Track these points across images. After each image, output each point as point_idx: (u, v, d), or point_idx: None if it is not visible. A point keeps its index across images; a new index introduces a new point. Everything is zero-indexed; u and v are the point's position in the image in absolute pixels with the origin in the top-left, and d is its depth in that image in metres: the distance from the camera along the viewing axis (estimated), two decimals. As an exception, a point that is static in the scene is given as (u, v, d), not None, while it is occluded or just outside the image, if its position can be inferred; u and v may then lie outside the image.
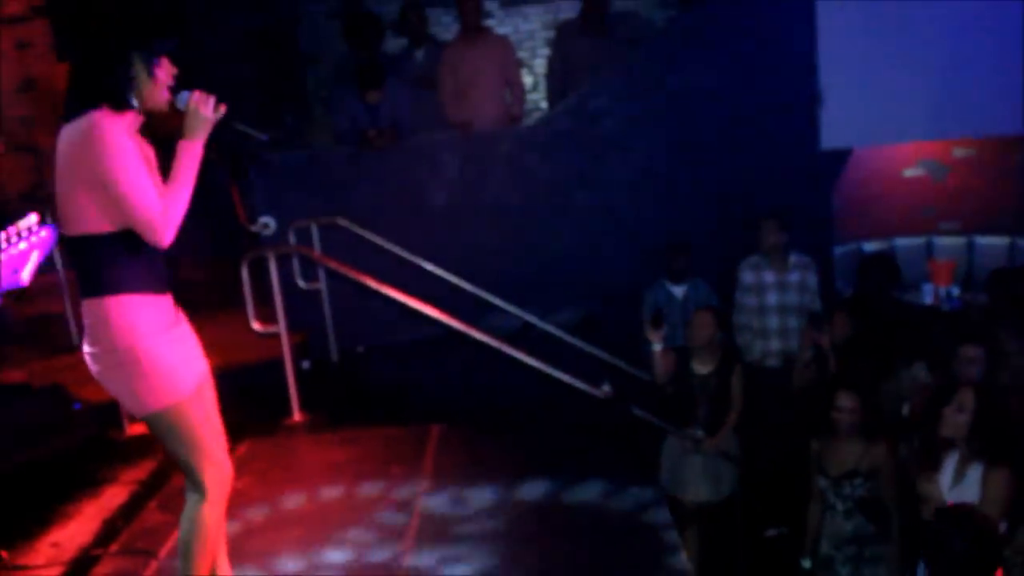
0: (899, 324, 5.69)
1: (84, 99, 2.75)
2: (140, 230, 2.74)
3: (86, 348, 2.83)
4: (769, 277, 5.89)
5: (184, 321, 3.02)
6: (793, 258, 5.90)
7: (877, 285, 5.93)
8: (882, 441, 4.39)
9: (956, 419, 3.79)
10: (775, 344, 5.88)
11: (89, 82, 2.78)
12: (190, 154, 2.83)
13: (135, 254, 2.79)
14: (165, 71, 2.84)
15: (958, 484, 3.77)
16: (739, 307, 5.98)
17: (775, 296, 5.88)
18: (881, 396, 4.82)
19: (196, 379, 2.94)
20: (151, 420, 2.88)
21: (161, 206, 2.74)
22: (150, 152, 2.91)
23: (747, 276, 5.96)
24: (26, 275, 1.51)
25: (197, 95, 2.84)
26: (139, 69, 2.80)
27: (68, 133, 2.74)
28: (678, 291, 6.06)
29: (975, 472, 3.76)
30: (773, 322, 5.88)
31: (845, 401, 4.38)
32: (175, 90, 2.87)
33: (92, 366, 2.84)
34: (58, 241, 2.88)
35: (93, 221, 2.74)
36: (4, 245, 1.55)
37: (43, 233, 1.51)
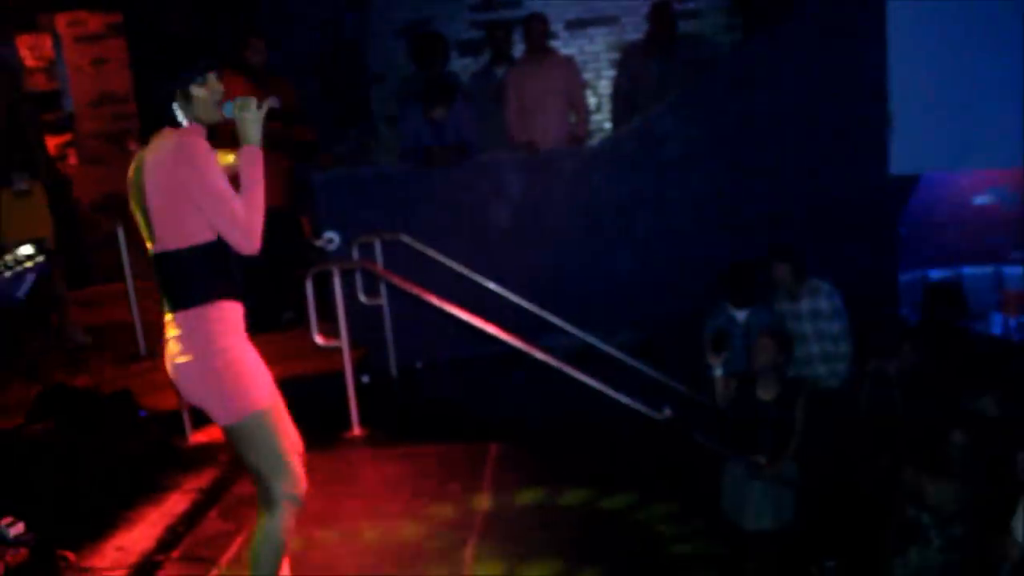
0: (967, 355, 5.58)
1: (166, 116, 2.84)
2: (233, 239, 2.82)
3: (179, 360, 2.87)
4: (785, 308, 5.83)
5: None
6: (807, 284, 5.79)
7: (944, 314, 5.82)
8: (990, 482, 4.28)
9: None
10: (802, 372, 5.76)
11: (171, 101, 2.86)
12: (250, 157, 2.88)
13: (224, 263, 2.87)
14: (214, 87, 2.90)
15: None
16: None
17: (791, 327, 5.79)
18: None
19: (273, 388, 2.99)
20: (238, 428, 2.91)
21: (245, 214, 2.80)
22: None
23: (777, 305, 5.89)
24: (22, 293, 1.63)
25: (240, 99, 2.89)
26: (198, 87, 2.88)
27: (156, 149, 2.82)
28: (740, 315, 6.00)
29: None
30: (797, 351, 5.77)
31: (958, 439, 4.28)
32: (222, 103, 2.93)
33: (182, 378, 2.89)
34: (152, 257, 2.94)
35: (189, 234, 2.82)
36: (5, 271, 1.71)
37: (40, 259, 1.63)
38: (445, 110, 6.34)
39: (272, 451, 2.92)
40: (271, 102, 2.92)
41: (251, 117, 2.88)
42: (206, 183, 2.77)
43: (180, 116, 2.88)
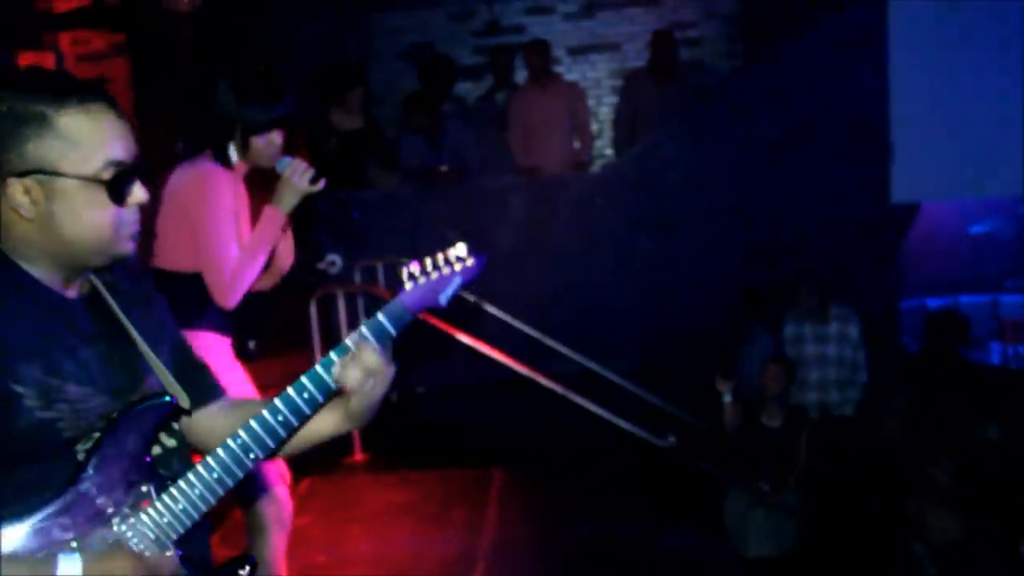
0: (969, 383, 5.59)
1: (199, 145, 2.85)
2: (211, 284, 2.82)
3: None
4: (808, 329, 5.84)
5: (239, 365, 3.07)
6: (834, 310, 5.83)
7: (946, 343, 5.84)
8: (986, 511, 4.29)
9: None
10: (812, 396, 5.79)
11: (203, 133, 2.88)
12: (272, 221, 2.87)
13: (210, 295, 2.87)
14: (270, 138, 2.90)
15: None
16: None
17: (813, 347, 5.82)
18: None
19: None
20: None
21: (237, 267, 2.80)
22: (245, 205, 2.97)
23: (788, 329, 5.91)
24: (444, 299, 1.61)
25: (296, 164, 2.88)
26: (245, 130, 2.87)
27: (179, 174, 2.84)
28: (767, 342, 6.02)
29: None
30: (812, 375, 5.80)
31: (950, 467, 4.28)
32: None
33: None
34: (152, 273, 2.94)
35: (183, 259, 2.83)
36: (433, 270, 1.65)
37: (469, 262, 1.60)
38: (427, 119, 6.29)
39: (254, 478, 2.92)
40: (319, 186, 2.89)
41: (297, 186, 2.86)
42: (204, 220, 2.77)
43: (232, 152, 2.88)
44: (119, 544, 1.51)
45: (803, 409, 5.46)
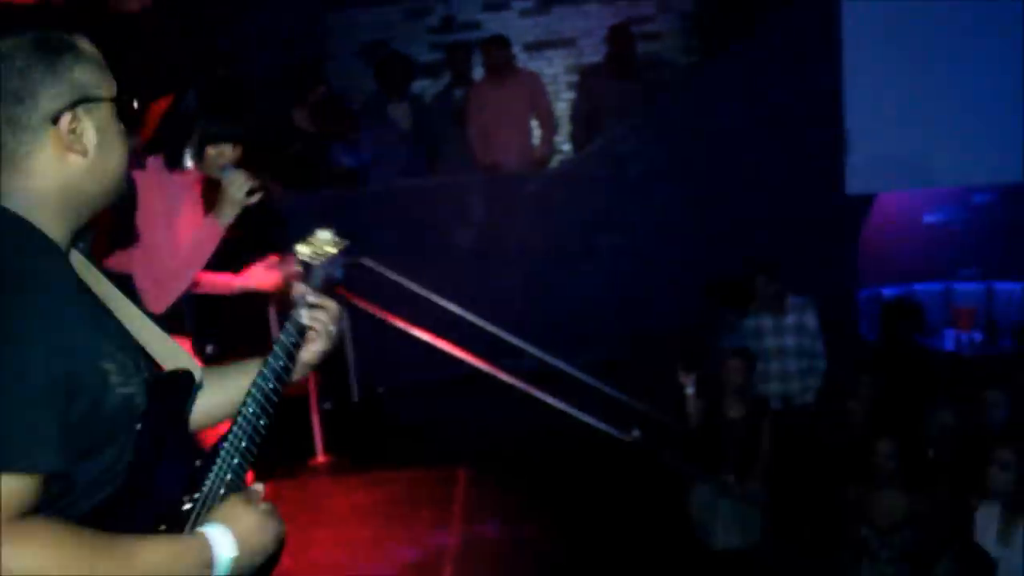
0: (925, 370, 5.68)
1: (151, 146, 2.82)
2: (140, 286, 2.78)
3: None
4: (766, 322, 5.88)
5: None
6: (790, 300, 5.88)
7: (902, 331, 5.92)
8: (928, 489, 4.36)
9: (1002, 477, 3.76)
10: (774, 387, 5.83)
11: (160, 135, 2.85)
12: (210, 231, 2.86)
13: None
14: (222, 149, 2.89)
15: (1007, 545, 3.72)
16: None
17: (772, 340, 5.86)
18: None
19: None
20: None
21: (168, 273, 2.77)
22: (195, 209, 2.95)
23: (748, 322, 5.94)
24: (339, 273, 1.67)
25: (237, 176, 2.88)
26: (196, 139, 2.87)
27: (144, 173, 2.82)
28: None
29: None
30: (772, 366, 5.83)
31: (886, 447, 4.34)
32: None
33: None
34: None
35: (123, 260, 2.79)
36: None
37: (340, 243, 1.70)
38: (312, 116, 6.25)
39: None
40: (255, 199, 2.91)
41: (235, 197, 2.85)
42: (139, 219, 2.75)
43: (187, 157, 2.86)
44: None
45: (765, 400, 5.51)
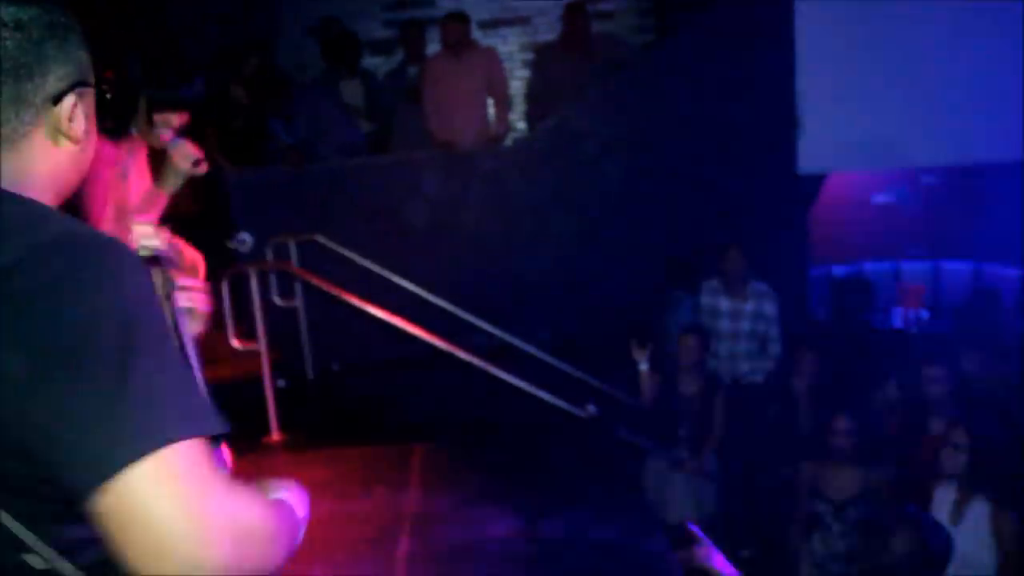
0: (872, 346, 5.78)
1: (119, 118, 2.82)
2: None
3: None
4: (724, 303, 5.91)
5: None
6: (751, 286, 5.92)
7: (851, 309, 6.01)
8: (881, 463, 4.44)
9: (954, 458, 3.84)
10: (723, 366, 5.87)
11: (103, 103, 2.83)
12: (154, 199, 2.93)
13: None
14: (167, 117, 2.91)
15: (957, 523, 3.79)
16: None
17: (728, 323, 5.89)
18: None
19: None
20: None
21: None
22: (137, 182, 2.96)
23: (704, 299, 5.97)
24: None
25: (183, 146, 2.88)
26: (144, 108, 2.88)
27: None
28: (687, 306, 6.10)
29: (976, 511, 3.79)
30: (723, 347, 5.87)
31: (842, 424, 4.41)
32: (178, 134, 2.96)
33: None
34: None
35: None
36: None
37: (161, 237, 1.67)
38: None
39: None
40: (201, 169, 2.92)
41: (180, 167, 2.90)
42: (94, 193, 2.74)
43: (133, 126, 2.88)
44: None
45: (717, 376, 5.58)
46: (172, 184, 2.90)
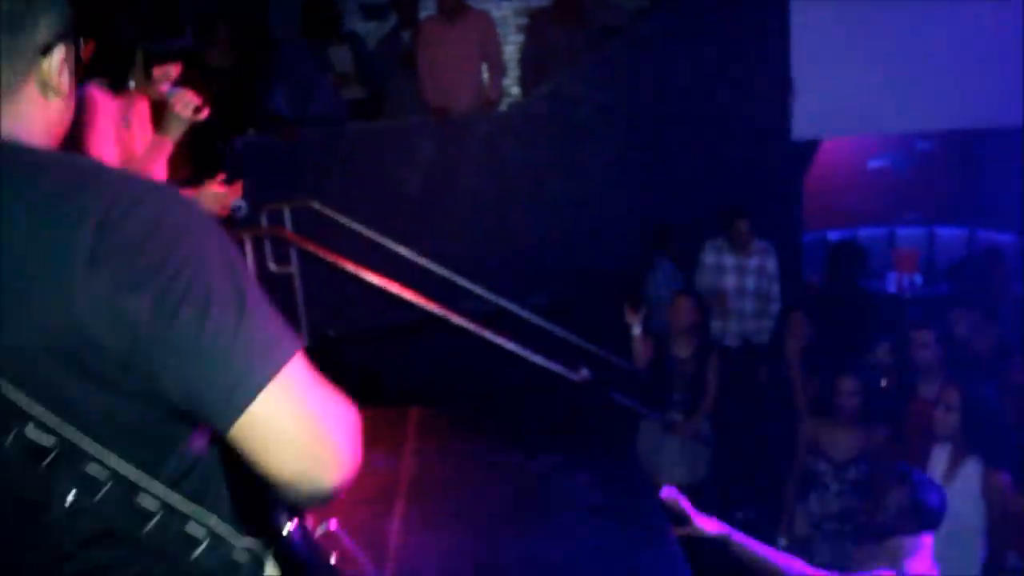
0: (865, 310, 5.81)
1: (94, 67, 2.84)
2: None
3: None
4: (729, 260, 6.00)
5: None
6: (756, 244, 6.03)
7: (845, 273, 6.04)
8: (881, 424, 4.48)
9: (947, 419, 3.88)
10: (732, 326, 5.99)
11: (99, 56, 2.87)
12: (158, 147, 2.99)
13: None
14: (167, 69, 2.97)
15: (950, 484, 3.83)
16: (698, 288, 6.08)
17: (733, 279, 5.99)
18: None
19: None
20: None
21: None
22: (141, 135, 3.02)
23: (708, 257, 6.06)
24: None
25: (183, 94, 2.95)
26: (140, 61, 2.94)
27: None
28: (668, 269, 6.14)
29: (968, 471, 3.83)
30: (731, 306, 6.02)
31: (847, 385, 4.46)
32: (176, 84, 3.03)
33: None
34: None
35: None
36: None
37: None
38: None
39: None
40: (202, 115, 3.03)
41: (182, 116, 2.96)
42: (100, 144, 2.80)
43: (130, 82, 2.93)
44: None
45: (711, 339, 5.60)
46: (175, 131, 2.98)
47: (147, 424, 1.18)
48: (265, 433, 1.16)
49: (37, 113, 1.27)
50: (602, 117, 6.53)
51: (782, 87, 6.57)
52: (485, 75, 6.73)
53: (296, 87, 6.36)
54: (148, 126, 3.08)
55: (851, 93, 6.58)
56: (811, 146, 7.09)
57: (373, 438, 4.63)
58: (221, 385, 1.13)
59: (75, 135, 2.82)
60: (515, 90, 7.78)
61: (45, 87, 1.27)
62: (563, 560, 3.58)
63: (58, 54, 1.27)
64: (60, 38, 1.27)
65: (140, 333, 1.09)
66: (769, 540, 4.71)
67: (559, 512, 3.94)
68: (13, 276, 1.09)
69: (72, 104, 1.34)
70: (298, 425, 1.19)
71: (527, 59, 7.17)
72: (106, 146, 2.90)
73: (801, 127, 6.72)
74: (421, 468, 4.28)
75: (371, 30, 7.57)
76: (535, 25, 7.09)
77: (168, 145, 2.98)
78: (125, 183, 1.18)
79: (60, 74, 1.28)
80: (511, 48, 8.14)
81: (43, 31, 1.25)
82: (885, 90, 6.62)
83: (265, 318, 1.18)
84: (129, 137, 3.00)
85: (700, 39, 6.52)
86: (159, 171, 2.99)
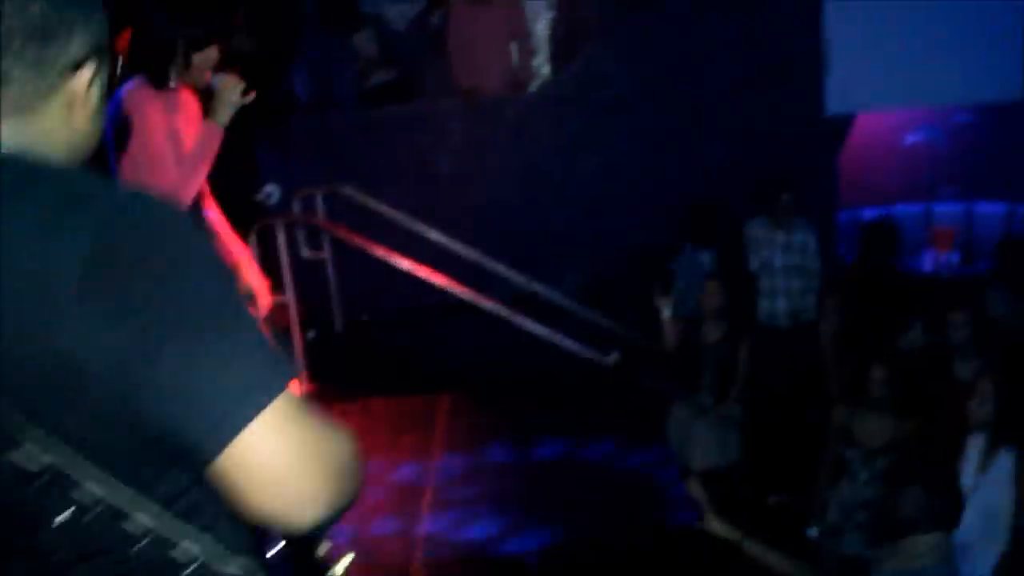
0: (900, 291, 5.74)
1: (132, 67, 2.88)
2: None
3: None
4: (777, 237, 5.95)
5: None
6: (796, 220, 5.97)
7: (879, 253, 5.97)
8: (915, 414, 4.44)
9: (981, 409, 3.83)
10: (781, 304, 5.93)
11: (137, 55, 2.90)
12: (211, 134, 3.03)
13: None
14: (208, 54, 3.00)
15: (985, 473, 3.79)
16: (750, 267, 6.05)
17: (780, 257, 5.94)
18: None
19: None
20: None
21: (179, 181, 2.85)
22: (189, 127, 3.05)
23: (757, 233, 6.01)
24: None
25: (229, 79, 2.97)
26: (181, 52, 2.96)
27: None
28: (705, 257, 6.08)
29: (1001, 459, 3.79)
30: (780, 283, 5.95)
31: (878, 374, 4.42)
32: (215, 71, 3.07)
33: None
34: None
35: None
36: None
37: None
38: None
39: None
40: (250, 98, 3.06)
41: (230, 99, 2.99)
42: (138, 137, 2.83)
43: (172, 75, 2.99)
44: None
45: (743, 321, 5.56)
46: (225, 115, 3.00)
47: (139, 449, 1.15)
48: (247, 472, 1.12)
49: (60, 132, 1.21)
50: (632, 93, 6.46)
51: (815, 61, 6.47)
52: (515, 55, 6.70)
53: (317, 71, 6.37)
54: (197, 117, 3.11)
55: (887, 65, 6.46)
56: (846, 121, 6.98)
57: (404, 425, 4.71)
58: (198, 424, 1.10)
59: (124, 137, 2.86)
60: (545, 69, 7.72)
61: (71, 106, 1.21)
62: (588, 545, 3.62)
63: (89, 71, 1.20)
64: (95, 53, 1.20)
65: (126, 365, 1.08)
66: (802, 526, 4.72)
67: (587, 488, 3.97)
68: (3, 301, 1.07)
69: (99, 123, 1.28)
70: (280, 464, 1.14)
71: (557, 35, 7.13)
72: (158, 144, 2.92)
73: (835, 102, 6.62)
74: (452, 455, 4.33)
75: (402, 12, 7.54)
76: (563, 1, 7.03)
77: (219, 132, 3.01)
78: (121, 206, 1.14)
79: (91, 89, 1.22)
80: (541, 25, 8.07)
81: (76, 45, 1.17)
82: (921, 62, 6.49)
83: (255, 351, 1.14)
84: (180, 131, 3.03)
85: (732, 13, 6.42)
86: (212, 159, 3.03)
